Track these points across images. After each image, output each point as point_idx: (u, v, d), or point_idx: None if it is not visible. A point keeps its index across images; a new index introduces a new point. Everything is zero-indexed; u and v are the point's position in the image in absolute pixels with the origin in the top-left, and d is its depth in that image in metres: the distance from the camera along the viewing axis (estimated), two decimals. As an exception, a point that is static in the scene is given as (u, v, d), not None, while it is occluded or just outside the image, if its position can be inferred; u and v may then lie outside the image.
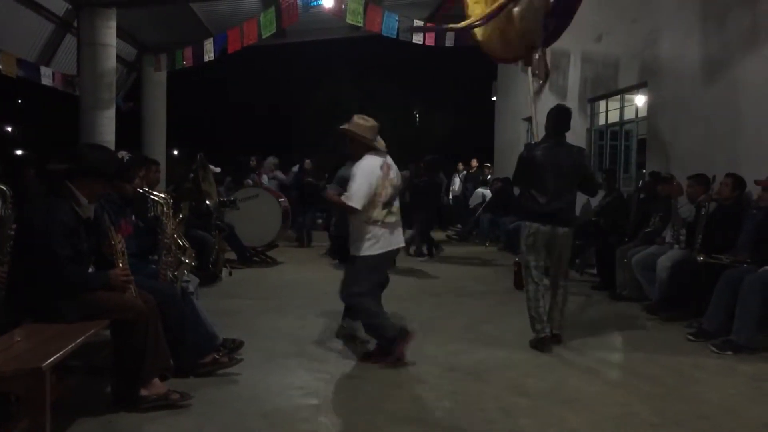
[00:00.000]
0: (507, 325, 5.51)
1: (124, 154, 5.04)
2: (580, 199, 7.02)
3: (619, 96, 9.54)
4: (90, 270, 3.66)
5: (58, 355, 2.95)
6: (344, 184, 4.63)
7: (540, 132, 5.73)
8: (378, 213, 4.38)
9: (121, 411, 3.45)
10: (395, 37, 9.48)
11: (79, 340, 3.16)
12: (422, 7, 12.13)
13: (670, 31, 7.85)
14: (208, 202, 7.77)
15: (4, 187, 4.18)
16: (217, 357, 4.16)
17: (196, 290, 4.52)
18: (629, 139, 9.75)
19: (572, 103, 10.17)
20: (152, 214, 4.45)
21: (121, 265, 3.57)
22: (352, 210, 4.30)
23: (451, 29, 8.28)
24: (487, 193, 13.42)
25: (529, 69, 7.51)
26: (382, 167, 4.41)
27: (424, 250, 10.23)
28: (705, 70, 7.12)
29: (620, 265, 6.85)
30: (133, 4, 10.69)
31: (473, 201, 13.98)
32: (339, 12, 9.30)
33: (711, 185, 6.04)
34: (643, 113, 8.93)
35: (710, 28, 7.04)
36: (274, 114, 29.96)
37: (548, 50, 8.17)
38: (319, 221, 12.63)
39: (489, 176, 15.00)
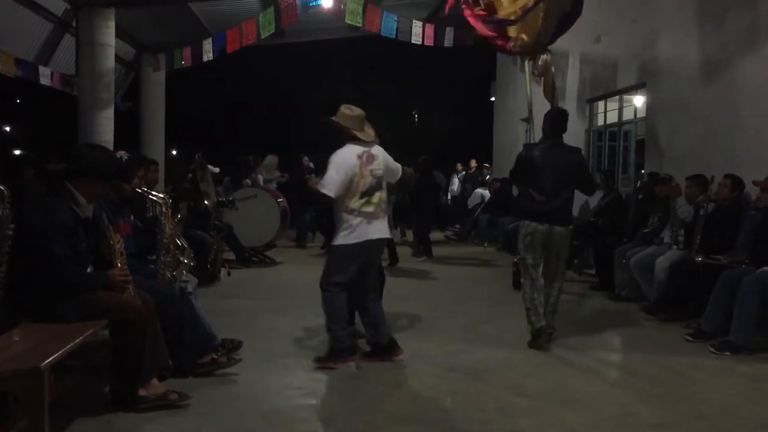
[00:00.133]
0: (506, 325, 5.51)
1: (122, 154, 5.04)
2: (579, 199, 7.02)
3: (617, 96, 9.55)
4: (88, 270, 3.66)
5: (57, 355, 2.95)
6: None
7: (538, 132, 5.78)
8: (355, 202, 4.35)
9: (120, 411, 3.45)
10: (394, 37, 9.48)
11: (77, 340, 3.16)
12: (421, 8, 12.12)
13: (668, 31, 7.86)
14: (206, 202, 7.78)
15: (2, 187, 4.19)
16: (215, 357, 4.16)
17: (194, 290, 4.52)
18: (628, 139, 9.76)
19: (571, 103, 10.18)
20: (151, 214, 4.45)
21: (119, 265, 3.57)
22: (327, 198, 4.31)
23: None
24: (486, 193, 13.43)
25: (527, 67, 7.52)
26: (360, 156, 4.36)
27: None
28: (704, 71, 7.13)
29: (619, 266, 6.85)
30: (131, 3, 10.67)
31: (472, 201, 13.99)
32: (338, 12, 9.29)
33: (709, 186, 6.05)
34: (641, 114, 8.94)
35: (709, 28, 7.05)
36: (273, 114, 29.94)
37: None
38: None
39: (488, 177, 15.02)
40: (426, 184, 10.24)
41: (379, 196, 4.45)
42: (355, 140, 4.42)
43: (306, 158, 12.55)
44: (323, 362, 4.40)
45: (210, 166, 8.79)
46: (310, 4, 9.37)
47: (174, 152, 23.24)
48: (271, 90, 29.86)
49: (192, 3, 10.97)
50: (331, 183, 4.30)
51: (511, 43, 7.62)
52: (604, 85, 9.56)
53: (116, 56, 10.90)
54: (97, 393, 3.71)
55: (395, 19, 9.45)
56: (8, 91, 22.16)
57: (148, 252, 4.39)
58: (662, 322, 5.72)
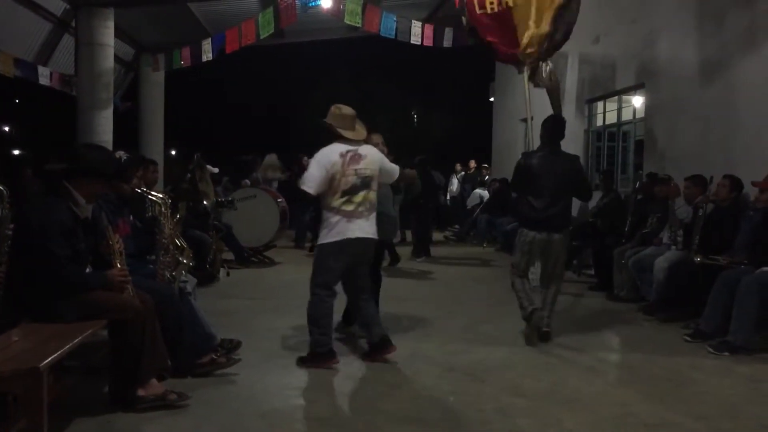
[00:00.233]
0: (505, 325, 5.51)
1: (121, 154, 5.04)
2: (578, 200, 7.03)
3: (616, 97, 9.56)
4: (88, 270, 3.66)
5: (56, 355, 2.94)
6: None
7: (536, 138, 5.80)
8: (336, 200, 4.34)
9: (119, 411, 3.45)
10: (393, 37, 9.48)
11: (76, 340, 3.16)
12: (421, 8, 12.12)
13: (667, 32, 7.87)
14: (205, 202, 7.78)
15: (1, 187, 4.17)
16: (214, 357, 4.16)
17: (193, 290, 4.52)
18: (627, 140, 9.77)
19: (570, 104, 10.19)
20: (150, 214, 4.45)
21: (119, 265, 3.57)
22: (307, 195, 4.35)
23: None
24: (485, 194, 13.44)
25: (525, 73, 7.44)
26: (343, 154, 4.35)
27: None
28: (702, 72, 7.14)
29: (617, 266, 6.86)
30: (131, 3, 10.66)
31: (471, 202, 14.00)
32: (337, 12, 9.30)
33: (708, 186, 6.06)
34: (640, 114, 8.95)
35: (708, 29, 7.06)
36: (273, 114, 29.93)
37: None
38: None
39: (487, 177, 15.02)
40: (425, 184, 10.23)
41: (364, 195, 4.40)
42: (342, 139, 4.42)
43: (306, 158, 12.52)
44: (305, 363, 4.40)
45: (209, 166, 8.79)
46: (310, 5, 9.37)
47: (173, 152, 23.23)
48: (271, 90, 29.85)
49: (191, 3, 10.97)
50: (310, 179, 4.34)
51: (518, 50, 7.24)
52: (603, 86, 9.57)
53: (115, 56, 10.90)
54: (96, 393, 3.71)
55: (394, 19, 9.46)
56: (7, 91, 22.13)
57: (147, 252, 4.39)
58: (661, 322, 5.73)
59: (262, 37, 9.53)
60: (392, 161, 4.89)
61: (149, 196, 4.40)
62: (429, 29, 9.62)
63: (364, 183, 4.41)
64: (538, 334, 5.08)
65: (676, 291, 5.80)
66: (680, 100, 7.55)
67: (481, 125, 18.22)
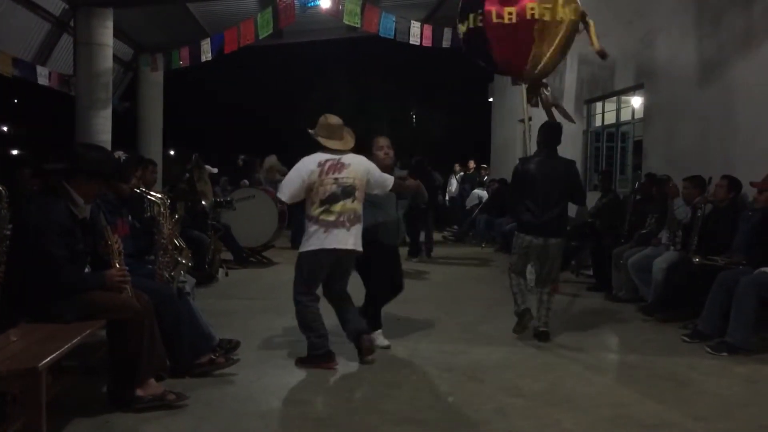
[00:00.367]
0: (504, 325, 5.51)
1: (120, 154, 5.03)
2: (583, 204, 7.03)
3: (615, 98, 9.57)
4: (86, 270, 3.66)
5: (54, 355, 2.94)
6: None
7: (533, 141, 5.82)
8: (314, 209, 4.34)
9: (117, 411, 3.44)
10: (392, 37, 9.49)
11: (75, 340, 3.15)
12: (420, 8, 12.14)
13: (666, 33, 7.88)
14: (203, 202, 7.77)
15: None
16: (213, 357, 4.15)
17: (192, 290, 4.53)
18: (625, 140, 9.78)
19: (569, 104, 10.19)
20: (149, 214, 4.44)
21: (117, 265, 3.57)
22: (282, 202, 4.39)
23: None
24: (484, 194, 13.45)
25: (522, 86, 7.37)
26: (321, 163, 4.34)
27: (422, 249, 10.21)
28: (701, 72, 7.15)
29: (616, 267, 6.87)
30: (129, 3, 10.68)
31: (470, 202, 14.01)
32: (336, 13, 9.30)
33: (707, 187, 6.06)
34: (639, 115, 8.96)
35: (706, 30, 7.07)
36: (272, 114, 29.91)
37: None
38: None
39: (485, 177, 15.03)
40: (425, 185, 10.21)
41: (343, 205, 4.32)
42: (323, 148, 4.42)
43: None
44: (303, 364, 4.39)
45: (207, 167, 8.79)
46: (309, 5, 9.38)
47: (171, 152, 23.23)
48: (270, 90, 29.82)
49: (190, 3, 10.98)
50: (284, 187, 4.41)
51: (526, 68, 6.90)
52: (601, 86, 9.58)
53: (114, 56, 10.91)
54: (94, 393, 3.70)
55: (393, 19, 9.47)
56: (6, 90, 22.09)
57: (145, 252, 4.38)
58: (659, 322, 5.73)
59: (260, 37, 9.54)
60: (395, 164, 4.89)
61: (148, 196, 4.40)
62: (428, 29, 9.64)
63: (346, 192, 4.34)
64: (533, 334, 5.13)
65: (674, 291, 5.80)
66: (679, 100, 7.56)
67: (480, 125, 18.24)
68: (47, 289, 3.36)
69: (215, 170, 10.24)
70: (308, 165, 4.36)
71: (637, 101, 9.05)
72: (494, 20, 6.55)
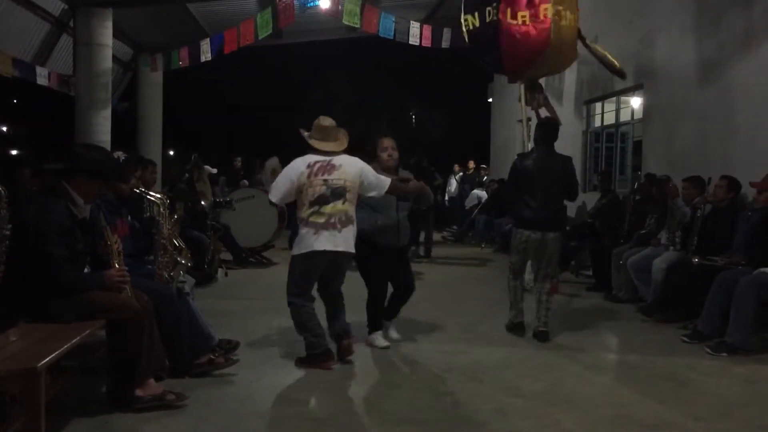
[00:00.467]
0: (503, 325, 5.51)
1: (120, 155, 5.03)
2: (576, 200, 7.04)
3: (614, 98, 9.57)
4: (86, 270, 3.66)
5: (54, 355, 2.94)
6: None
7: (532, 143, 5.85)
8: (305, 211, 4.33)
9: (117, 411, 3.44)
10: (392, 38, 9.49)
11: (74, 340, 3.15)
12: (419, 9, 12.15)
13: (665, 33, 7.88)
14: (203, 202, 7.77)
15: (-1, 187, 4.17)
16: (212, 357, 4.15)
17: (191, 291, 4.52)
18: (625, 141, 9.78)
19: (568, 104, 10.21)
20: (148, 214, 4.44)
21: (117, 265, 3.57)
22: (272, 202, 4.46)
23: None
24: (483, 194, 13.44)
25: (521, 91, 7.39)
26: (310, 165, 4.33)
27: (421, 251, 10.20)
28: (700, 72, 7.15)
29: (615, 267, 6.86)
30: (129, 3, 10.68)
31: (469, 202, 14.01)
32: (336, 13, 9.31)
33: (706, 187, 6.06)
34: (638, 115, 8.96)
35: (705, 30, 7.08)
36: (271, 114, 29.90)
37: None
38: None
39: (485, 177, 15.03)
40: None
41: (334, 206, 4.29)
42: (314, 150, 4.41)
43: None
44: (302, 364, 4.39)
45: (207, 167, 8.79)
46: (308, 5, 9.39)
47: (171, 152, 23.23)
48: (269, 90, 29.83)
49: (190, 3, 10.99)
50: (274, 188, 4.44)
51: (530, 71, 7.08)
52: (601, 87, 9.58)
53: (113, 56, 10.92)
54: (93, 393, 3.70)
55: (393, 19, 9.47)
56: (5, 91, 22.09)
57: (145, 252, 4.38)
58: (659, 323, 5.73)
59: (260, 37, 9.54)
60: (397, 165, 4.88)
61: (147, 197, 4.40)
62: (427, 30, 9.64)
63: (336, 193, 4.31)
64: (533, 334, 5.14)
65: (674, 292, 5.80)
66: (678, 101, 7.56)
67: (480, 125, 18.24)
68: (47, 289, 3.36)
69: (214, 170, 10.24)
70: (298, 166, 4.36)
71: (636, 101, 9.05)
72: (508, 20, 6.61)
